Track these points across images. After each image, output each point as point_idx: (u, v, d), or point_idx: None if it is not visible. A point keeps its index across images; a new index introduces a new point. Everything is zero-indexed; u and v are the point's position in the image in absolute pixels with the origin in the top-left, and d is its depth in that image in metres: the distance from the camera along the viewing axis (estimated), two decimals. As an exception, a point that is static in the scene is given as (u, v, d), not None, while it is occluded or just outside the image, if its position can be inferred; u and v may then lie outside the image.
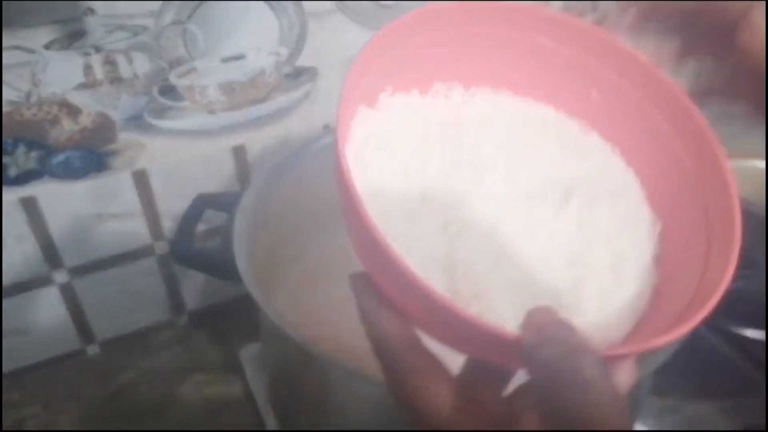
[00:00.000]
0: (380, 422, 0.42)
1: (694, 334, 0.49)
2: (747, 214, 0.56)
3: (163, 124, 0.58)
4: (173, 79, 0.56)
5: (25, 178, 0.55)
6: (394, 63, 0.27)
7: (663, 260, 0.28)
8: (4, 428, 0.60)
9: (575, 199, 0.28)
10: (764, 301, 0.62)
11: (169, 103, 0.57)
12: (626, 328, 0.26)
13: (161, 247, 0.64)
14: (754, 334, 0.66)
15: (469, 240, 0.26)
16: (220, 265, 0.46)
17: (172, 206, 0.62)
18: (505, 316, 0.24)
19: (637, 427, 0.58)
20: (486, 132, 0.29)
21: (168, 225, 0.63)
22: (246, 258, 0.45)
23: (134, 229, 0.62)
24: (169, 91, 0.57)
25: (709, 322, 0.63)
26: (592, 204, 0.28)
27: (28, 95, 0.51)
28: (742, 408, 0.60)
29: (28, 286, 0.60)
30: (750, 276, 0.60)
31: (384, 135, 0.28)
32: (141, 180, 0.59)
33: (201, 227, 0.61)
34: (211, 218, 0.59)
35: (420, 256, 0.25)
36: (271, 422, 0.58)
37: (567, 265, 0.27)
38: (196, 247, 0.49)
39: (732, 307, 0.67)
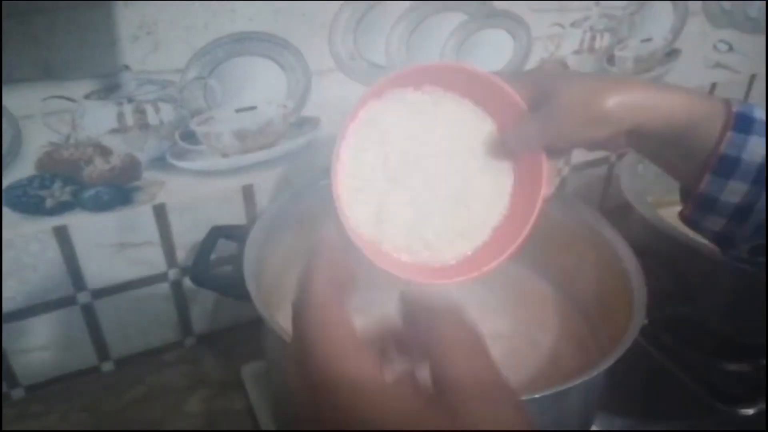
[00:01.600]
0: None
1: (652, 360, 0.60)
2: (687, 250, 0.62)
3: (183, 164, 0.64)
4: (193, 126, 0.62)
5: (60, 209, 0.60)
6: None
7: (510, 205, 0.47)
8: (25, 436, 0.64)
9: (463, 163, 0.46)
10: (710, 328, 0.67)
11: (189, 146, 0.63)
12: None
13: (175, 274, 0.69)
14: (705, 360, 0.71)
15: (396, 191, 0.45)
16: (232, 287, 0.51)
17: (186, 238, 0.67)
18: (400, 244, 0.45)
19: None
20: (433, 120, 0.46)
21: (181, 254, 0.68)
22: (255, 282, 0.50)
23: (151, 257, 0.67)
24: (189, 136, 0.63)
25: (665, 349, 0.69)
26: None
27: (68, 138, 0.57)
28: (695, 428, 0.65)
29: (55, 305, 0.64)
30: (700, 307, 0.66)
31: (378, 117, 0.45)
32: (160, 213, 0.65)
33: (214, 256, 0.67)
34: (221, 248, 0.65)
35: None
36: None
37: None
38: (213, 273, 0.54)
39: (684, 335, 0.73)
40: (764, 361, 0.69)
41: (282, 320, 0.60)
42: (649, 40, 0.84)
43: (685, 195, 0.44)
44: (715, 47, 0.91)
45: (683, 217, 0.44)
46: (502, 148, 0.45)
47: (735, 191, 0.39)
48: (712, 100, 0.40)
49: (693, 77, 0.91)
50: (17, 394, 0.67)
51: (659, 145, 0.41)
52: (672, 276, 0.62)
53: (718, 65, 0.93)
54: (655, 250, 0.64)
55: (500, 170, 0.47)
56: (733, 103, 0.40)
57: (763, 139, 0.38)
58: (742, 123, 0.39)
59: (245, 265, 0.51)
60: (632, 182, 0.72)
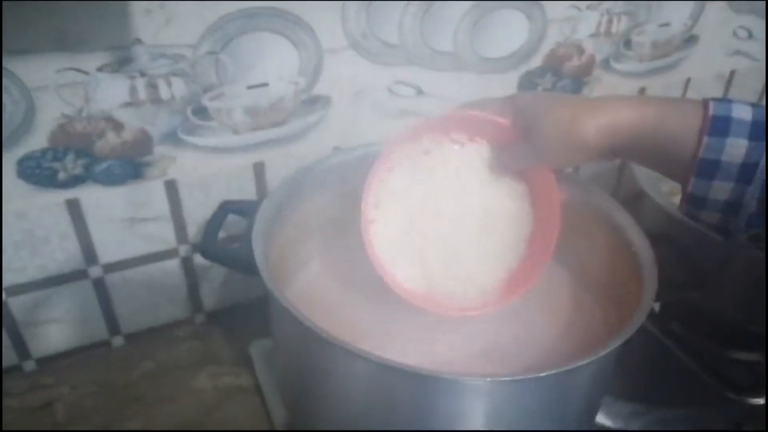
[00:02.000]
0: (379, 400, 0.47)
1: (662, 348, 0.59)
2: (700, 238, 0.61)
3: (194, 140, 0.63)
4: (205, 101, 0.62)
5: (72, 182, 0.60)
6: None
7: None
8: (35, 407, 0.64)
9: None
10: (722, 317, 0.66)
11: (200, 122, 0.63)
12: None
13: (185, 251, 0.69)
14: (715, 349, 0.70)
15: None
16: (240, 261, 0.51)
17: (197, 214, 0.67)
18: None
19: (608, 425, 0.62)
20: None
21: (192, 231, 0.68)
22: (263, 256, 0.50)
23: (162, 233, 0.67)
24: (200, 112, 0.62)
25: (675, 337, 0.68)
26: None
27: (80, 110, 0.57)
28: (702, 416, 0.64)
29: (67, 278, 0.65)
30: (712, 296, 0.65)
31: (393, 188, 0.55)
32: (171, 189, 0.65)
33: (223, 234, 0.67)
34: (232, 227, 0.65)
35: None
36: (275, 410, 0.62)
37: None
38: (222, 246, 0.54)
39: (695, 324, 0.72)
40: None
41: (290, 295, 0.60)
42: (667, 24, 0.83)
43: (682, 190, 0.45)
44: (734, 34, 0.89)
45: (682, 210, 0.45)
46: (506, 168, 0.52)
47: (721, 190, 0.41)
48: (687, 108, 0.41)
49: (711, 64, 0.90)
50: (29, 366, 0.67)
51: (643, 156, 0.44)
52: (684, 264, 0.60)
53: (737, 52, 0.91)
54: (668, 238, 0.63)
55: (514, 188, 0.54)
56: (710, 105, 0.40)
57: (742, 139, 0.39)
58: (718, 126, 0.39)
59: (254, 239, 0.50)
60: (646, 170, 0.71)
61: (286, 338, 0.52)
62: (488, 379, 0.41)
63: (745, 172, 0.39)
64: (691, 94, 0.92)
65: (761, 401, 0.65)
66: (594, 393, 0.51)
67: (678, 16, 0.83)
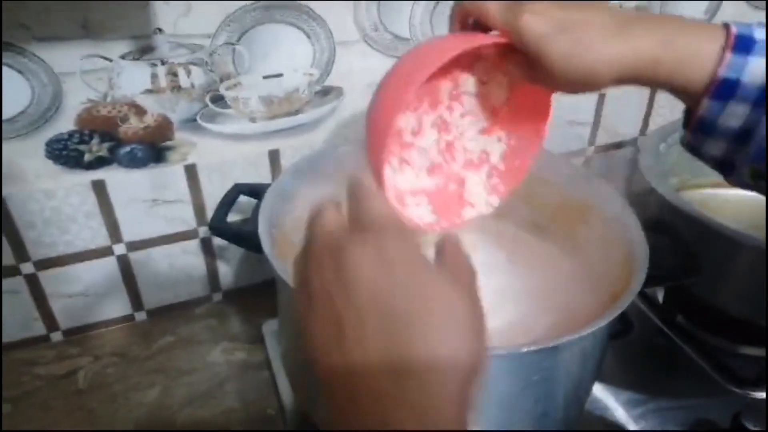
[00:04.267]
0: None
1: (667, 340, 0.57)
2: (706, 231, 0.60)
3: (213, 127, 0.64)
4: (222, 90, 0.63)
5: (97, 164, 0.62)
6: None
7: None
8: (60, 374, 0.66)
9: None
10: (727, 311, 0.64)
11: (218, 110, 0.64)
12: None
13: (204, 232, 0.70)
14: (720, 342, 0.68)
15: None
16: (246, 238, 0.51)
17: (215, 197, 0.68)
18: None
19: (615, 415, 0.61)
20: None
21: (210, 213, 0.69)
22: (268, 234, 0.50)
23: (182, 215, 0.68)
24: (218, 100, 0.63)
25: (679, 329, 0.67)
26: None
27: (105, 96, 0.59)
28: (700, 406, 0.62)
29: (92, 255, 0.66)
30: (717, 289, 0.63)
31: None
32: (191, 173, 0.66)
33: (239, 216, 0.68)
34: (247, 209, 0.65)
35: None
36: (283, 385, 0.63)
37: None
38: (231, 222, 0.55)
39: (700, 317, 0.70)
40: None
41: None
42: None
43: (686, 121, 0.42)
44: (750, 31, 0.86)
45: (684, 143, 0.41)
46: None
47: (735, 114, 0.37)
48: (707, 30, 0.38)
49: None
50: (56, 337, 0.70)
51: (655, 83, 0.39)
52: (680, 251, 0.59)
53: (753, 50, 0.88)
54: (670, 230, 0.61)
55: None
56: (731, 26, 0.37)
57: (763, 58, 0.36)
58: (742, 44, 0.36)
59: (260, 216, 0.51)
60: (654, 162, 0.69)
61: (289, 315, 0.53)
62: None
63: (764, 95, 0.36)
64: (706, 92, 0.89)
65: (762, 395, 0.63)
66: (581, 375, 0.50)
67: (693, 11, 0.81)
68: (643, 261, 0.48)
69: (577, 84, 0.38)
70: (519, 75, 0.41)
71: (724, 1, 0.81)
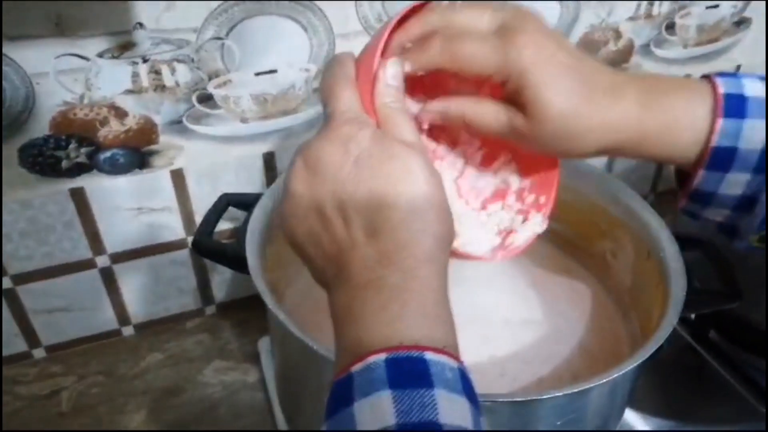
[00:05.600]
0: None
1: (698, 358, 0.51)
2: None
3: (200, 129, 0.61)
4: (211, 89, 0.59)
5: (76, 171, 0.59)
6: None
7: None
8: (42, 395, 0.64)
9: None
10: (759, 327, 0.60)
11: (206, 110, 0.60)
12: None
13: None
14: (751, 360, 0.64)
15: None
16: (233, 258, 0.48)
17: (204, 205, 0.64)
18: None
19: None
20: None
21: (200, 221, 0.66)
22: (257, 253, 0.47)
23: (169, 223, 0.65)
24: (206, 99, 0.60)
25: (711, 346, 0.62)
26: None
27: (82, 97, 0.55)
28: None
29: (74, 267, 0.63)
30: (749, 304, 0.59)
31: None
32: (178, 179, 0.63)
33: (229, 226, 0.64)
34: (239, 216, 0.62)
35: None
36: (278, 408, 0.60)
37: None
38: (216, 241, 0.52)
39: (732, 333, 0.66)
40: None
41: (290, 295, 0.57)
42: (715, 6, 0.76)
43: (679, 182, 0.38)
44: (792, 17, 0.81)
45: (679, 208, 0.38)
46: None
47: (735, 183, 0.34)
48: (693, 88, 0.34)
49: (762, 51, 0.82)
50: (38, 353, 0.67)
51: (644, 154, 0.36)
52: (721, 269, 0.55)
53: (794, 37, 0.83)
54: (702, 243, 0.57)
55: None
56: (717, 82, 0.33)
57: (760, 120, 0.32)
58: (732, 106, 0.33)
59: (248, 234, 0.48)
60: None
61: (279, 338, 0.49)
62: (487, 402, 0.37)
63: (765, 158, 0.33)
64: (741, 83, 0.84)
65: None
66: (610, 409, 0.46)
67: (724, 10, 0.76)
68: (678, 285, 0.44)
69: (559, 146, 0.34)
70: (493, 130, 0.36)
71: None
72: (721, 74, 0.34)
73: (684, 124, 0.34)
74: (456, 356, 0.27)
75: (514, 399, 0.37)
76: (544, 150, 0.35)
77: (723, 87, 0.33)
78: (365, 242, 0.29)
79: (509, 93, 0.34)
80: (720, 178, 0.34)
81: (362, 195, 0.29)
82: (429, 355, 0.25)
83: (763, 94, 0.33)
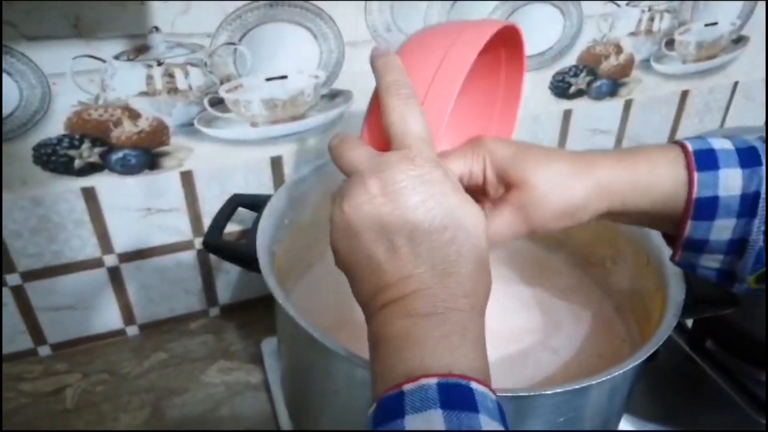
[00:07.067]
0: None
1: (695, 367, 0.52)
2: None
3: (211, 132, 0.63)
4: (222, 92, 0.61)
5: (88, 170, 0.60)
6: None
7: None
8: (46, 392, 0.65)
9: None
10: (758, 337, 0.62)
11: (217, 113, 0.62)
12: None
13: (200, 243, 0.68)
14: (748, 369, 0.66)
15: None
16: (243, 256, 0.49)
17: (212, 206, 0.66)
18: None
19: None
20: None
21: (207, 223, 0.67)
22: (267, 251, 0.49)
23: (177, 225, 0.66)
24: (217, 103, 0.61)
25: (709, 356, 0.64)
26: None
27: (97, 98, 0.57)
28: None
29: (82, 266, 0.65)
30: (748, 314, 0.61)
31: None
32: (187, 180, 0.64)
33: (237, 227, 0.66)
34: (247, 220, 0.64)
35: None
36: (281, 409, 0.61)
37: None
38: (226, 240, 0.53)
39: (730, 343, 0.68)
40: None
41: (298, 293, 0.59)
42: (714, 24, 0.78)
43: (668, 239, 0.41)
44: (788, 35, 0.83)
45: (675, 262, 0.40)
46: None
47: (724, 229, 0.36)
48: (668, 153, 0.37)
49: (761, 67, 0.84)
50: (44, 351, 0.68)
51: (636, 214, 0.39)
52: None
53: (791, 55, 0.85)
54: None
55: None
56: (686, 143, 0.37)
57: (733, 168, 0.36)
58: (703, 160, 0.36)
59: (258, 234, 0.49)
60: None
61: (287, 336, 0.51)
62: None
63: (746, 203, 0.35)
64: (739, 99, 0.87)
65: (797, 429, 0.60)
66: (609, 413, 0.48)
67: (726, 15, 0.78)
68: (677, 291, 0.45)
69: (563, 216, 0.37)
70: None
71: (760, 0, 0.79)
72: (686, 138, 0.38)
73: (665, 177, 0.37)
74: (494, 391, 0.29)
75: (518, 394, 0.38)
76: (544, 222, 0.38)
77: (691, 145, 0.37)
78: (433, 281, 0.31)
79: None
80: (708, 226, 0.36)
81: (440, 238, 0.31)
82: (475, 385, 0.28)
83: (729, 146, 0.36)
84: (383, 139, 0.35)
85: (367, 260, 0.32)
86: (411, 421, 0.27)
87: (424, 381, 0.28)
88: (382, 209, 0.31)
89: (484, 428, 0.26)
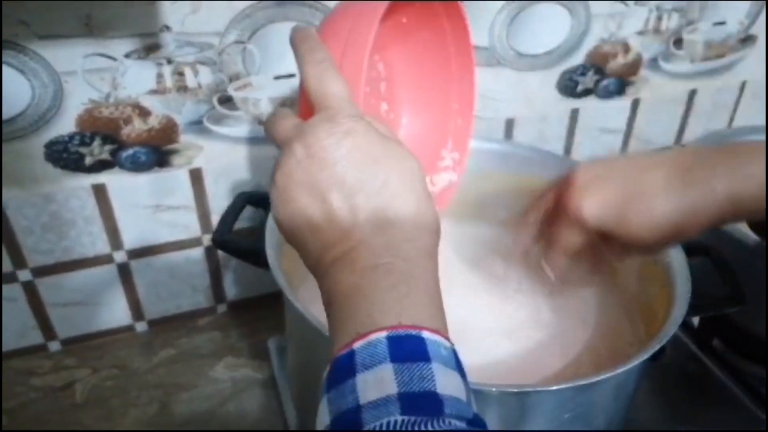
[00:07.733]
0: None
1: (701, 365, 0.53)
2: (745, 250, 0.58)
3: (220, 129, 0.63)
4: (231, 91, 0.62)
5: (98, 167, 0.61)
6: None
7: None
8: (56, 386, 0.65)
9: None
10: (763, 335, 0.62)
11: (226, 111, 0.63)
12: None
13: (209, 240, 0.69)
14: (754, 369, 0.66)
15: None
16: (253, 253, 0.50)
17: (221, 204, 0.67)
18: None
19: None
20: None
21: (216, 220, 0.68)
22: (275, 249, 0.49)
23: (186, 221, 0.67)
24: (226, 101, 0.62)
25: (714, 354, 0.64)
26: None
27: (108, 96, 0.58)
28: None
29: (92, 262, 0.65)
30: (753, 314, 0.61)
31: None
32: (196, 178, 0.65)
33: (245, 225, 0.66)
34: (256, 217, 0.64)
35: None
36: (288, 405, 0.61)
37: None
38: (235, 236, 0.54)
39: (736, 341, 0.68)
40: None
41: (306, 290, 0.59)
42: (722, 23, 0.78)
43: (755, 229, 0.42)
44: (797, 35, 0.83)
45: None
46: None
47: None
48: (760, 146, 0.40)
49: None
50: (54, 346, 0.69)
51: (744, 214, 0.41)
52: (723, 278, 0.57)
53: (800, 55, 0.85)
54: (707, 250, 0.59)
55: None
56: None
57: None
58: None
59: (267, 231, 0.50)
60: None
61: (295, 332, 0.51)
62: (494, 389, 0.39)
63: None
64: (747, 99, 0.87)
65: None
66: (615, 410, 0.48)
67: (734, 14, 0.78)
68: (683, 291, 0.46)
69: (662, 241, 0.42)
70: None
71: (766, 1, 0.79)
72: None
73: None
74: (449, 338, 0.29)
75: (524, 389, 0.39)
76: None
77: None
78: (373, 232, 0.31)
79: None
80: None
81: (373, 187, 0.31)
82: (426, 334, 0.28)
83: None
84: (311, 108, 0.35)
85: (308, 224, 0.31)
86: (362, 378, 0.26)
87: (373, 336, 0.27)
88: (310, 170, 0.31)
89: (437, 377, 0.26)
